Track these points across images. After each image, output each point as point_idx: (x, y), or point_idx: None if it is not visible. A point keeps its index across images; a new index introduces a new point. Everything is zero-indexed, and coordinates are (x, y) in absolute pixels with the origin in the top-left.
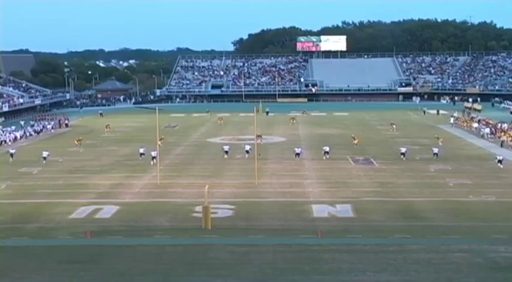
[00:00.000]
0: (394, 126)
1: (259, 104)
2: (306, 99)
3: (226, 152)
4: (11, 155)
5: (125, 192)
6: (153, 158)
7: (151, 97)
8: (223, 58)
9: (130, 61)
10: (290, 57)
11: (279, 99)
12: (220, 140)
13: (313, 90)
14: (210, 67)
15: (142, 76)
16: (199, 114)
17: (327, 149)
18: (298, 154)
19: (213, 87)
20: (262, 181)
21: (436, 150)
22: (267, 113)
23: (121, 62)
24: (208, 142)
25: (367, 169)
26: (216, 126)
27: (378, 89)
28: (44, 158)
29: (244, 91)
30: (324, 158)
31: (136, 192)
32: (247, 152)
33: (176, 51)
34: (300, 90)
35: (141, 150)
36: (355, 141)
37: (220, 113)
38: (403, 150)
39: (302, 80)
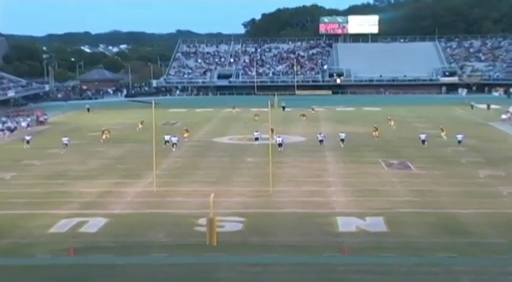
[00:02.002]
0: (392, 122)
1: (274, 97)
2: (330, 92)
3: (172, 143)
4: None
5: (115, 202)
6: (174, 144)
7: (147, 89)
8: (232, 43)
9: (122, 46)
10: (311, 42)
11: (298, 92)
12: (229, 140)
13: (339, 80)
14: (216, 53)
15: (136, 64)
16: (204, 109)
17: (343, 136)
18: (321, 141)
19: (220, 77)
20: (278, 189)
21: (460, 137)
22: (284, 108)
23: (110, 47)
24: (215, 142)
25: (402, 174)
26: (223, 124)
27: (417, 79)
28: (66, 145)
29: (257, 82)
30: (341, 145)
31: (129, 202)
32: (279, 145)
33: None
34: (323, 81)
35: (167, 138)
36: (376, 133)
37: (228, 109)
38: (422, 137)
39: (325, 68)
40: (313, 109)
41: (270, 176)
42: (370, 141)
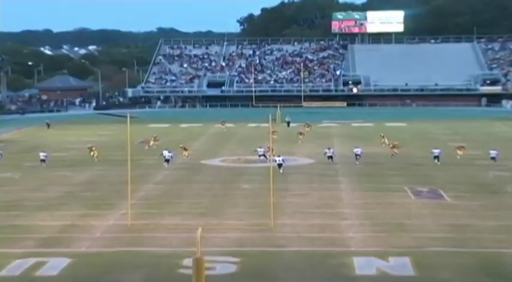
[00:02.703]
0: (386, 139)
1: (276, 110)
2: (344, 104)
3: (165, 159)
4: None
5: (81, 238)
6: (167, 160)
7: (121, 100)
8: (225, 43)
9: (90, 47)
10: (322, 43)
11: (305, 104)
12: (221, 162)
13: (355, 90)
14: (205, 56)
15: (108, 69)
16: (190, 124)
17: (358, 151)
18: (331, 157)
19: (210, 85)
20: (281, 222)
21: (494, 153)
22: (288, 123)
23: (76, 49)
24: (203, 165)
25: (433, 205)
26: (214, 142)
27: (450, 88)
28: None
29: (256, 91)
30: (357, 162)
31: (98, 238)
32: (279, 165)
33: (157, 33)
34: (336, 91)
35: (166, 155)
36: (395, 150)
37: (220, 124)
38: (436, 152)
39: (339, 75)
40: (307, 125)
41: (271, 206)
42: (393, 163)
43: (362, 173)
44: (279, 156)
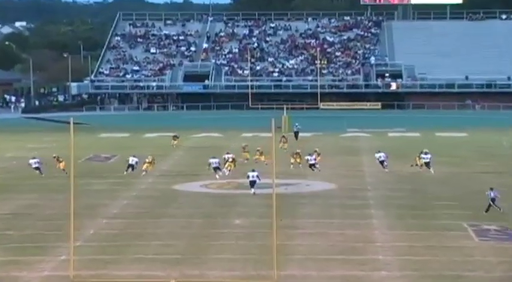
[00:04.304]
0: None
1: (282, 114)
2: (378, 105)
3: (129, 165)
4: None
5: None
6: (130, 166)
7: (61, 99)
8: (210, 19)
9: (17, 24)
10: (347, 19)
11: (323, 104)
12: (202, 187)
13: (394, 85)
14: (182, 38)
15: (42, 55)
16: (159, 134)
17: (382, 156)
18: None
19: (188, 78)
20: (287, 273)
21: None
22: (297, 133)
23: None
24: (178, 191)
25: (504, 250)
26: (192, 159)
27: None
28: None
29: (253, 87)
30: (386, 170)
31: None
32: (252, 184)
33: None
34: (366, 87)
35: (131, 161)
36: (419, 162)
37: (202, 133)
38: (426, 157)
39: (371, 64)
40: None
41: (274, 250)
42: (447, 191)
43: (403, 203)
44: (253, 170)
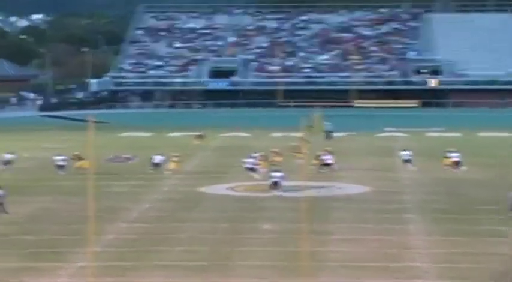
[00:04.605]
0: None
1: (312, 112)
2: (416, 103)
3: (154, 163)
4: None
5: None
6: (155, 164)
7: (80, 96)
8: (237, 12)
9: (34, 17)
10: (383, 11)
11: (357, 102)
12: (229, 190)
13: (434, 82)
14: (207, 32)
15: (60, 50)
16: (183, 133)
17: (406, 155)
18: (408, 160)
19: (214, 74)
20: (319, 281)
21: None
22: (329, 133)
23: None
24: (203, 194)
25: None
26: (219, 160)
27: None
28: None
29: (283, 83)
30: (411, 167)
31: None
32: (275, 184)
33: None
34: (404, 83)
35: (156, 159)
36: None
37: (228, 132)
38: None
39: (409, 59)
40: (200, 136)
41: (305, 257)
42: (489, 194)
43: (441, 207)
44: (276, 170)
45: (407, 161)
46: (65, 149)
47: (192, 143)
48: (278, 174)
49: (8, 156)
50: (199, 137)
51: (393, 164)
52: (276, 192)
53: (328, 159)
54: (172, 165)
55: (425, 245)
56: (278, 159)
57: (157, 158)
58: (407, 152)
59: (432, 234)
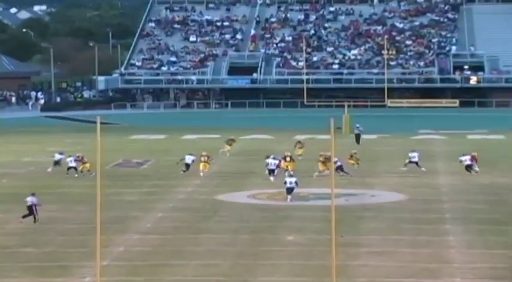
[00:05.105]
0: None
1: (342, 113)
2: (456, 102)
3: (186, 164)
4: None
5: None
6: (187, 165)
7: (86, 95)
8: (258, 2)
9: (36, 8)
10: (419, 2)
11: (390, 101)
12: (250, 198)
13: (475, 79)
14: (226, 24)
15: (65, 44)
16: (199, 135)
17: (415, 156)
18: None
19: (233, 71)
20: None
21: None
22: (358, 136)
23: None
24: (221, 202)
25: None
26: (239, 165)
27: None
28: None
29: (309, 81)
30: (423, 169)
31: None
32: (289, 190)
33: None
34: (441, 81)
35: (187, 159)
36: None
37: (249, 135)
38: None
39: (447, 54)
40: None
41: (333, 272)
42: None
43: (484, 217)
44: (291, 175)
45: (415, 163)
46: (70, 153)
47: (211, 146)
48: (293, 179)
49: (58, 156)
50: (231, 141)
51: (431, 169)
52: (289, 198)
53: (339, 161)
54: (201, 166)
55: (466, 259)
56: (300, 152)
57: (190, 158)
58: (415, 154)
59: (474, 247)
